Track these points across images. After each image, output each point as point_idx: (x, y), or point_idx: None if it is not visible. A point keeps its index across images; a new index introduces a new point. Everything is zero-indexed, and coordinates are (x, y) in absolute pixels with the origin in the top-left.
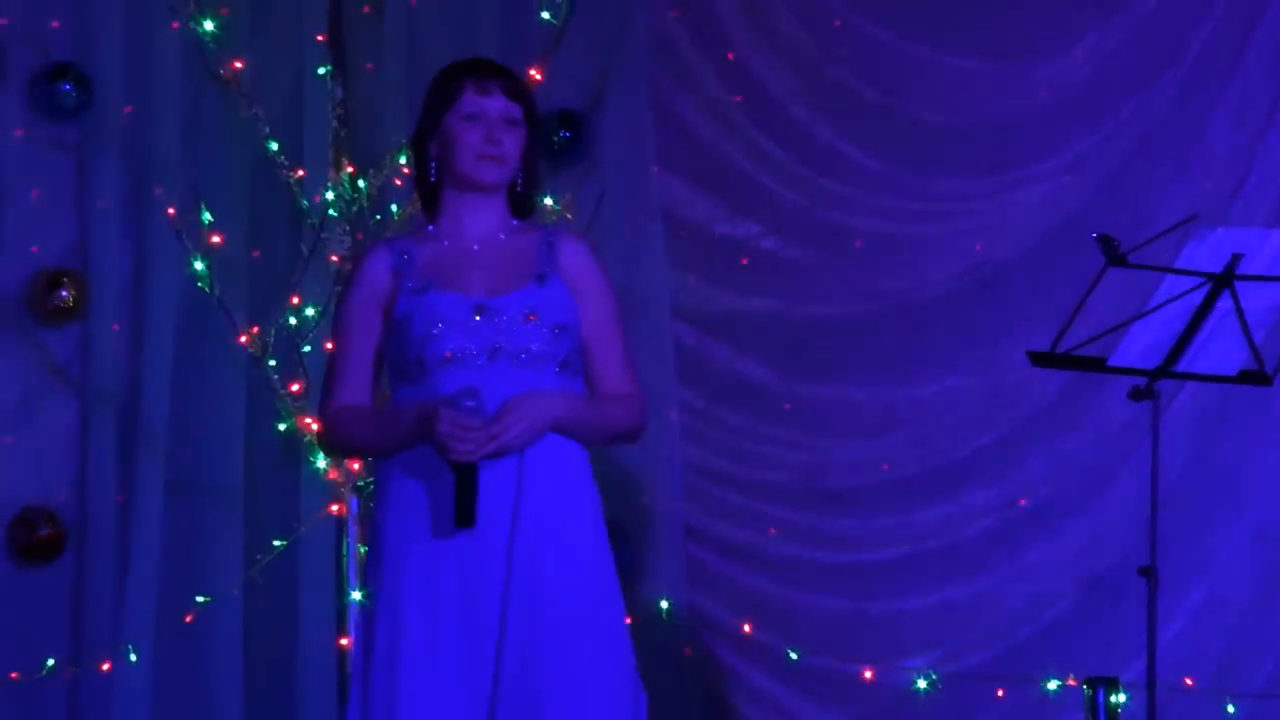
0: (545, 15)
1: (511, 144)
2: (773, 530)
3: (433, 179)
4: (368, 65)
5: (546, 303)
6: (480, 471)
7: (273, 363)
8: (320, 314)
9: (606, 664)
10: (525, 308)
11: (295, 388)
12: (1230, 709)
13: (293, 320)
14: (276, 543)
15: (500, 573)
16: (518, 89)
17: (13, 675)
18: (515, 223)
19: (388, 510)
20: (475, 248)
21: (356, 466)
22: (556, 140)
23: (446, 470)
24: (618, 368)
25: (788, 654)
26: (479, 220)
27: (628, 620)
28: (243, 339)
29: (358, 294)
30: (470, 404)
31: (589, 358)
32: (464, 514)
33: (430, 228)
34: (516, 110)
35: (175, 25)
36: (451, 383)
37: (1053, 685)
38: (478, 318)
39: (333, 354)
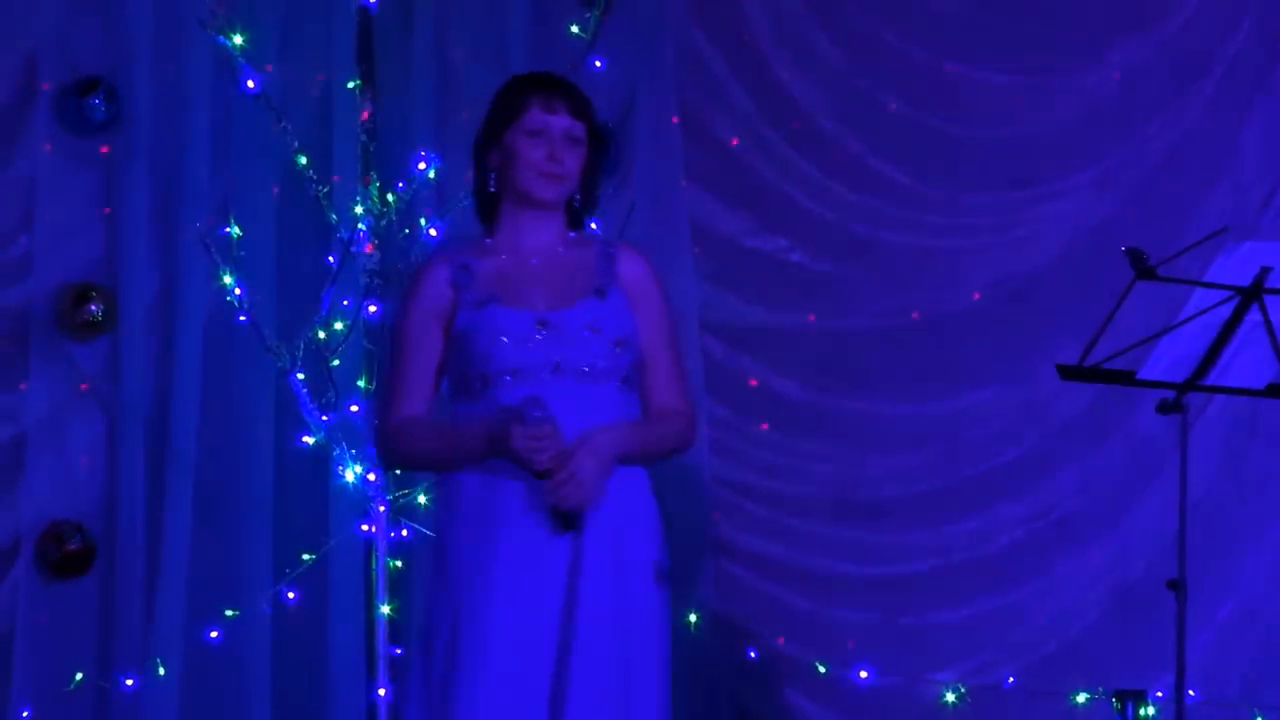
0: (575, 29)
1: (573, 162)
2: (803, 544)
3: (492, 189)
4: (396, 79)
5: (607, 317)
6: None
7: (301, 376)
8: (348, 327)
9: (651, 688)
10: (586, 322)
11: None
12: None
13: (321, 334)
14: (305, 556)
15: (562, 585)
16: (583, 107)
17: (42, 689)
18: (572, 235)
19: (451, 524)
20: (534, 261)
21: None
22: None
23: (506, 485)
24: (671, 382)
25: (817, 666)
26: (537, 234)
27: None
28: (271, 350)
29: (418, 308)
30: (537, 414)
31: (643, 370)
32: (568, 520)
33: (488, 241)
34: (580, 129)
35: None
36: (514, 397)
37: (1082, 698)
38: (540, 333)
39: (393, 367)
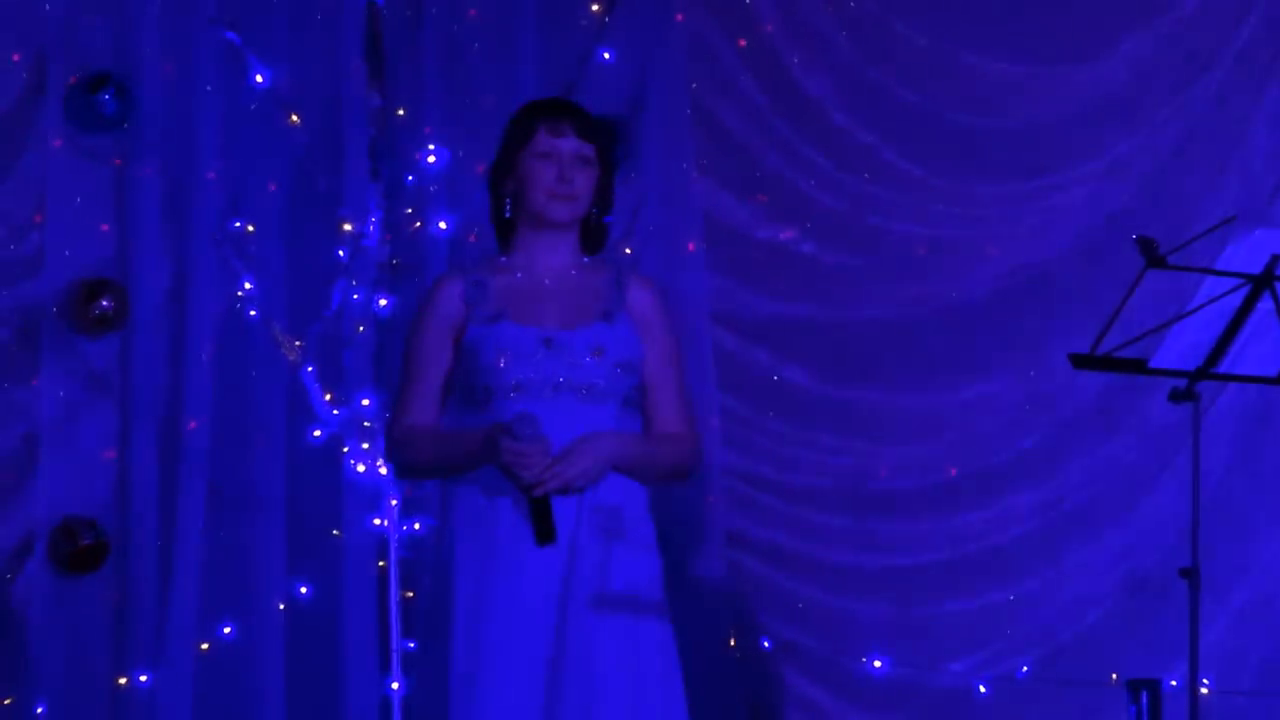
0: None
1: (584, 182)
2: (815, 536)
3: (507, 215)
4: (406, 72)
5: (613, 340)
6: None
7: (311, 369)
8: (357, 323)
9: (659, 690)
10: (592, 344)
11: (333, 395)
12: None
13: (331, 329)
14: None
15: (558, 593)
16: (591, 128)
17: (54, 686)
18: (586, 259)
19: (455, 527)
20: (547, 281)
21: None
22: None
23: (508, 491)
24: (675, 408)
25: (829, 657)
26: (551, 255)
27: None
28: (282, 347)
29: (430, 320)
30: (527, 430)
31: (648, 396)
32: (543, 533)
33: (503, 259)
34: (589, 149)
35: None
36: (514, 411)
37: (1095, 687)
38: (544, 351)
39: (402, 378)
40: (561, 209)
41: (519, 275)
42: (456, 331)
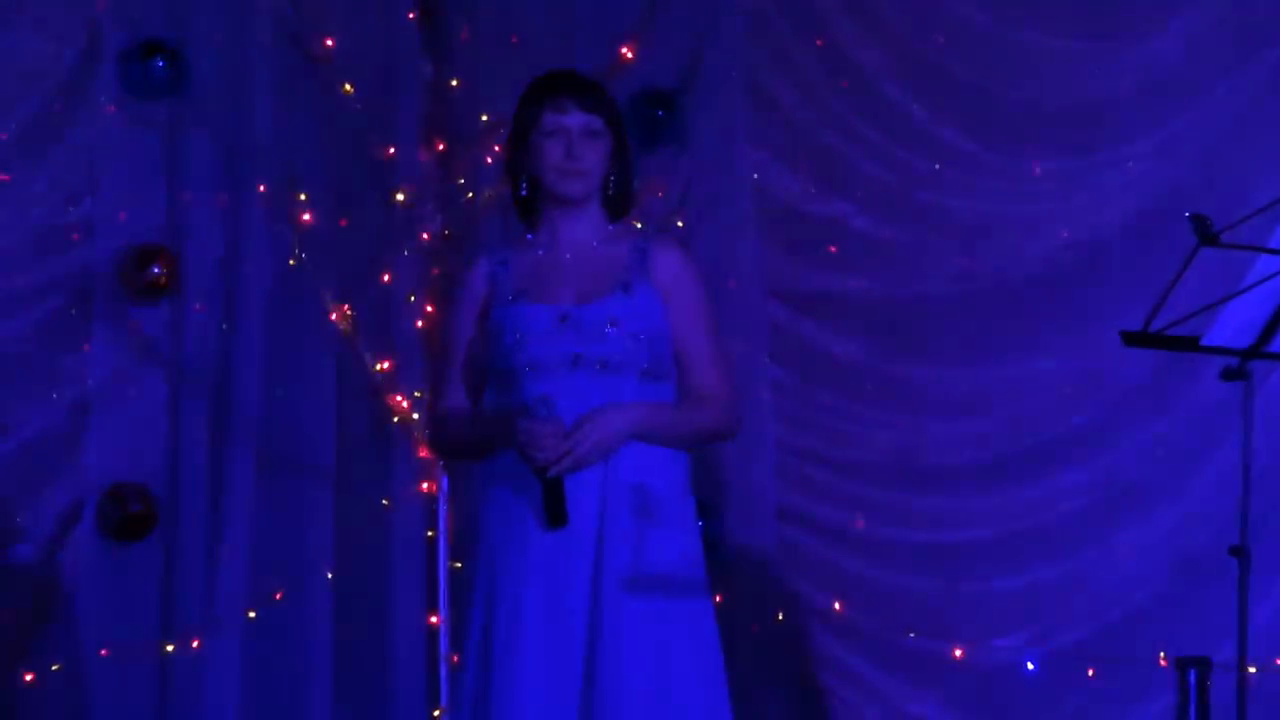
0: None
1: (592, 155)
2: (864, 510)
3: (524, 194)
4: (461, 40)
5: (629, 311)
6: (566, 477)
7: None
8: (411, 292)
9: (693, 670)
10: (607, 316)
11: (385, 365)
12: None
13: (382, 298)
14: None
15: (588, 575)
16: (594, 100)
17: (102, 652)
18: (610, 228)
19: (486, 509)
20: (568, 256)
21: None
22: (649, 119)
23: (531, 474)
24: (706, 370)
25: (877, 632)
26: (573, 229)
27: (714, 604)
28: (333, 316)
29: (461, 303)
30: (542, 413)
31: (679, 360)
32: (553, 516)
33: (529, 236)
34: (596, 121)
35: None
36: (535, 389)
37: (1144, 665)
38: (561, 328)
39: (439, 359)
40: (573, 184)
41: (541, 252)
42: (484, 313)
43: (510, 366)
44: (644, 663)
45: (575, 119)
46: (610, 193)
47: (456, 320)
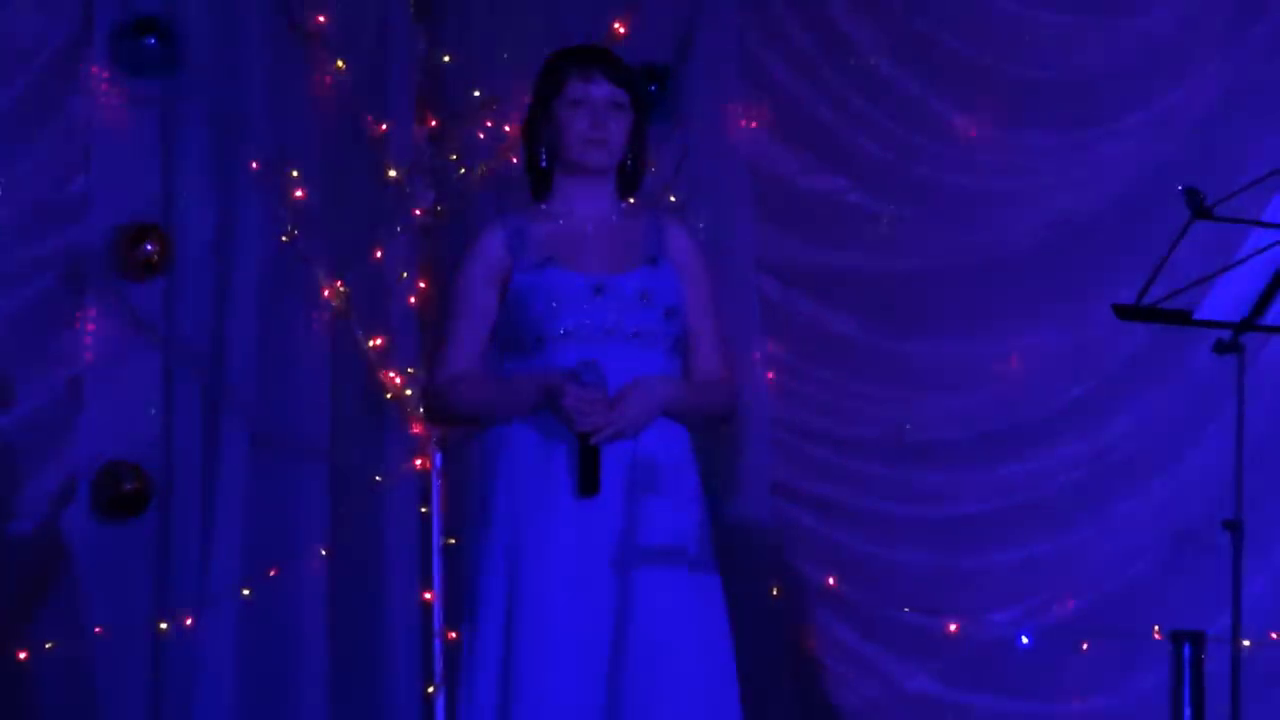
0: None
1: (617, 128)
2: (860, 485)
3: (543, 164)
4: (454, 17)
5: (659, 285)
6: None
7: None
8: (404, 268)
9: (712, 647)
10: (640, 288)
11: (378, 342)
12: None
13: (375, 275)
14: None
15: (616, 542)
16: (622, 75)
17: (96, 630)
18: (624, 205)
19: (496, 480)
20: (589, 228)
21: None
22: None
23: (558, 439)
24: (714, 353)
25: (873, 607)
26: (590, 201)
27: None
28: (326, 293)
29: (474, 270)
30: (591, 378)
31: (688, 341)
32: (588, 483)
33: (542, 206)
34: (622, 95)
35: None
36: (567, 358)
37: (1138, 639)
38: (596, 297)
39: (446, 325)
40: (597, 154)
41: (560, 222)
42: (501, 279)
43: (540, 333)
44: (675, 632)
45: (602, 89)
46: (626, 170)
47: (469, 285)
